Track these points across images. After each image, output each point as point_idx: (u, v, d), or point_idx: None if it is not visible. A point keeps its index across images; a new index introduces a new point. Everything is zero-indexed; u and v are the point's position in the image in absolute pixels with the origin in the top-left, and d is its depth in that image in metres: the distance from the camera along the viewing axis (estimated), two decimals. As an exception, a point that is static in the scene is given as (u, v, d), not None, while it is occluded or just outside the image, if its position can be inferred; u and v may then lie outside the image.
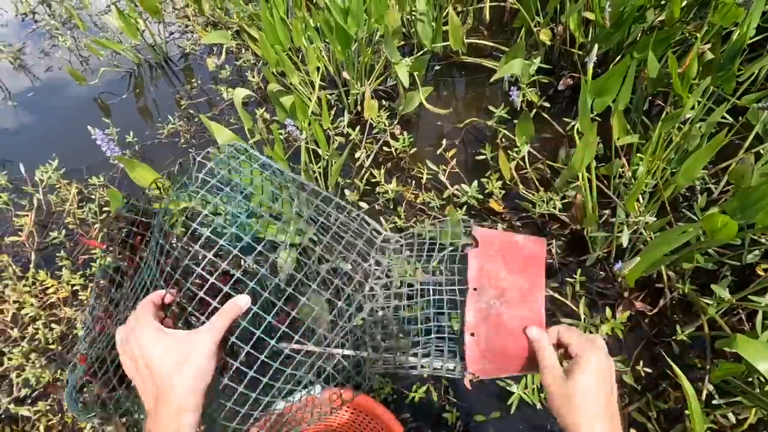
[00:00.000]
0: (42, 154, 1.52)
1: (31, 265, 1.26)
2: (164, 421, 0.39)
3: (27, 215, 1.37)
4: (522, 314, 0.50)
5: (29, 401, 1.04)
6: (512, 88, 1.04)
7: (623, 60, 0.76)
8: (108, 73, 1.86)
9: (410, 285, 0.60)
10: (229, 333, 0.45)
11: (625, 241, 0.97)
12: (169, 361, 0.40)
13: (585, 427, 0.41)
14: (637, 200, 1.13)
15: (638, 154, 1.09)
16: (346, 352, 0.54)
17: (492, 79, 1.18)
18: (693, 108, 1.08)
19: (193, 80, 1.80)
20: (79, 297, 1.19)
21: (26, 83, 1.92)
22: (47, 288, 1.22)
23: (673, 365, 0.67)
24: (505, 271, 0.52)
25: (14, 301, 1.18)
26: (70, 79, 1.81)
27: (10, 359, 1.09)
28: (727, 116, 1.21)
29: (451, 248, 0.60)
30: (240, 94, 1.12)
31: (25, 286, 1.21)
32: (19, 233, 1.34)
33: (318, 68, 1.31)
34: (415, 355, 0.56)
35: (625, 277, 0.87)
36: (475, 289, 0.52)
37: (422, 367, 0.55)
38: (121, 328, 0.44)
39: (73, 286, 1.21)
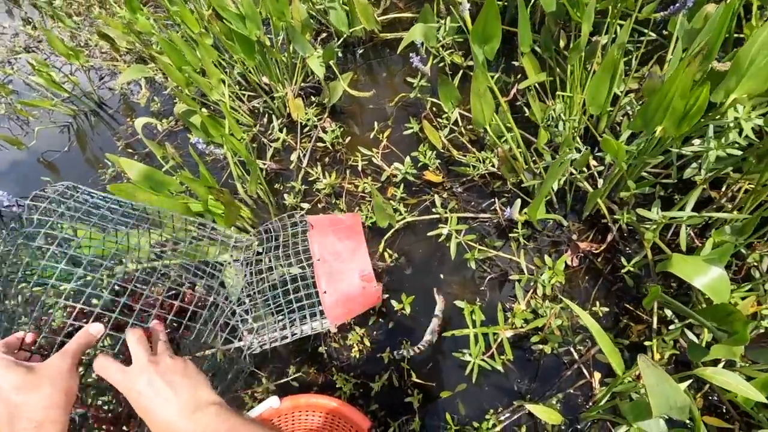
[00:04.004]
0: (-7, 226, 1.52)
1: (-6, 337, 1.26)
2: None
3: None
4: (354, 265, 0.70)
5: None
6: (412, 54, 1.00)
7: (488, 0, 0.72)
8: (46, 131, 1.85)
9: (266, 270, 0.74)
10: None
11: (555, 184, 0.93)
12: (20, 386, 0.42)
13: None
14: (574, 138, 1.10)
15: (560, 92, 1.06)
16: (223, 347, 0.56)
17: (399, 50, 1.14)
18: (608, 32, 1.04)
19: (128, 119, 1.78)
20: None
21: (-29, 159, 1.92)
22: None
23: (570, 303, 0.64)
24: (336, 240, 0.71)
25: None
26: (9, 147, 1.81)
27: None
28: (651, 33, 1.17)
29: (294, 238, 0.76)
30: (140, 123, 1.11)
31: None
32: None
33: (225, 80, 1.29)
34: (284, 327, 0.69)
35: (526, 221, 0.84)
36: (318, 260, 0.68)
37: (293, 334, 0.68)
38: None
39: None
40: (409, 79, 1.31)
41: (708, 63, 0.72)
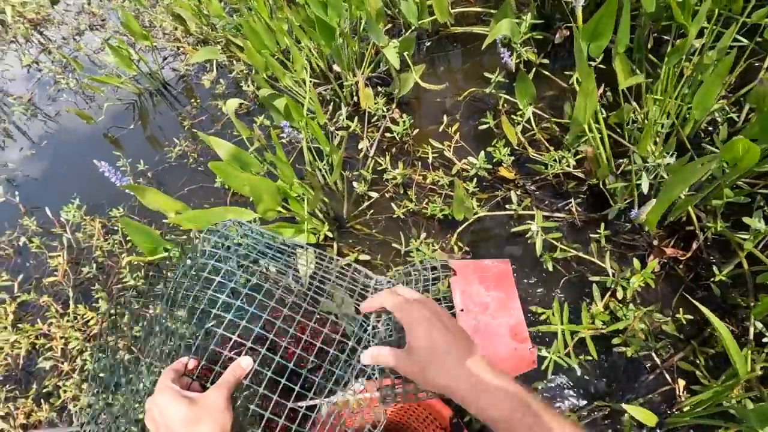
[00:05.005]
0: (65, 196, 1.58)
1: (71, 302, 1.33)
2: None
3: (59, 255, 1.43)
4: (505, 321, 0.59)
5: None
6: (503, 50, 1.00)
7: (613, -3, 0.72)
8: (112, 107, 1.91)
9: None
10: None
11: (645, 187, 0.92)
12: (185, 420, 0.44)
13: (450, 383, 0.41)
14: (654, 142, 1.08)
15: (649, 95, 1.04)
16: (364, 395, 0.54)
17: (484, 45, 1.14)
18: (703, 36, 1.02)
19: (193, 100, 1.82)
20: (119, 324, 1.24)
21: (40, 130, 2.00)
22: (88, 321, 1.27)
23: (701, 306, 0.63)
24: (482, 289, 0.61)
25: (60, 337, 1.24)
26: (77, 121, 1.88)
27: (65, 391, 1.15)
28: (742, 39, 1.13)
29: (434, 281, 0.66)
30: (232, 104, 1.13)
31: (68, 321, 1.27)
32: (55, 273, 1.41)
33: (306, 66, 1.31)
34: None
35: (645, 222, 0.83)
36: (462, 310, 0.59)
37: (431, 394, 0.58)
38: (148, 398, 0.49)
39: (111, 315, 1.26)
40: (486, 74, 1.31)
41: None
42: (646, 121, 1.02)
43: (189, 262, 0.59)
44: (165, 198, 1.01)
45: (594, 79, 0.78)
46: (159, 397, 0.46)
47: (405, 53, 1.35)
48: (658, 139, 1.08)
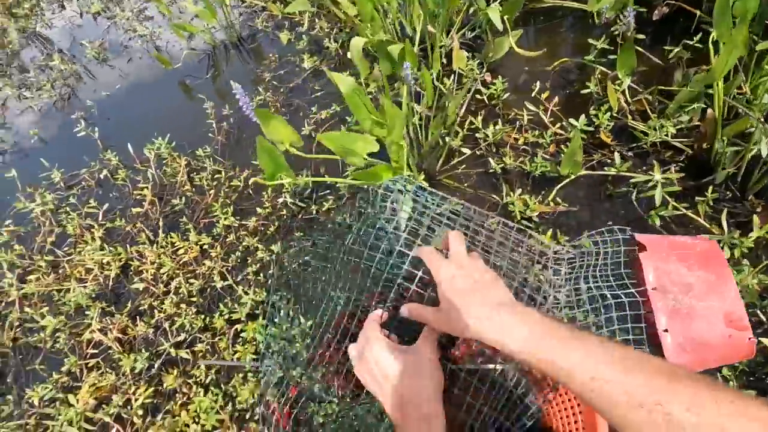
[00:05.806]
0: (143, 136, 1.61)
1: (160, 230, 1.35)
2: (415, 426, 0.42)
3: (145, 187, 1.46)
4: (716, 305, 0.54)
5: (186, 345, 1.13)
6: (628, 9, 1.02)
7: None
8: (186, 56, 1.94)
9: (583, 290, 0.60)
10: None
11: (764, 150, 0.95)
12: (406, 372, 0.44)
13: (474, 324, 0.40)
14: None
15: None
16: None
17: (594, 9, 1.17)
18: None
19: (270, 55, 1.85)
20: (210, 254, 1.27)
21: (112, 75, 2.03)
22: (177, 249, 1.30)
23: None
24: (683, 268, 0.56)
25: (152, 262, 1.27)
26: (151, 68, 1.91)
27: (159, 311, 1.18)
28: None
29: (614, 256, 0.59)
30: (357, 43, 1.16)
31: (158, 248, 1.30)
32: (143, 204, 1.43)
33: (420, 16, 1.34)
34: None
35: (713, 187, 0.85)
36: (654, 289, 0.54)
37: None
38: (353, 346, 0.50)
39: (202, 245, 1.29)
40: (590, 41, 1.34)
41: None
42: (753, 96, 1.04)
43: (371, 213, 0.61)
44: (288, 128, 1.04)
45: (746, 31, 0.80)
46: (374, 346, 0.46)
47: (506, 17, 1.37)
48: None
